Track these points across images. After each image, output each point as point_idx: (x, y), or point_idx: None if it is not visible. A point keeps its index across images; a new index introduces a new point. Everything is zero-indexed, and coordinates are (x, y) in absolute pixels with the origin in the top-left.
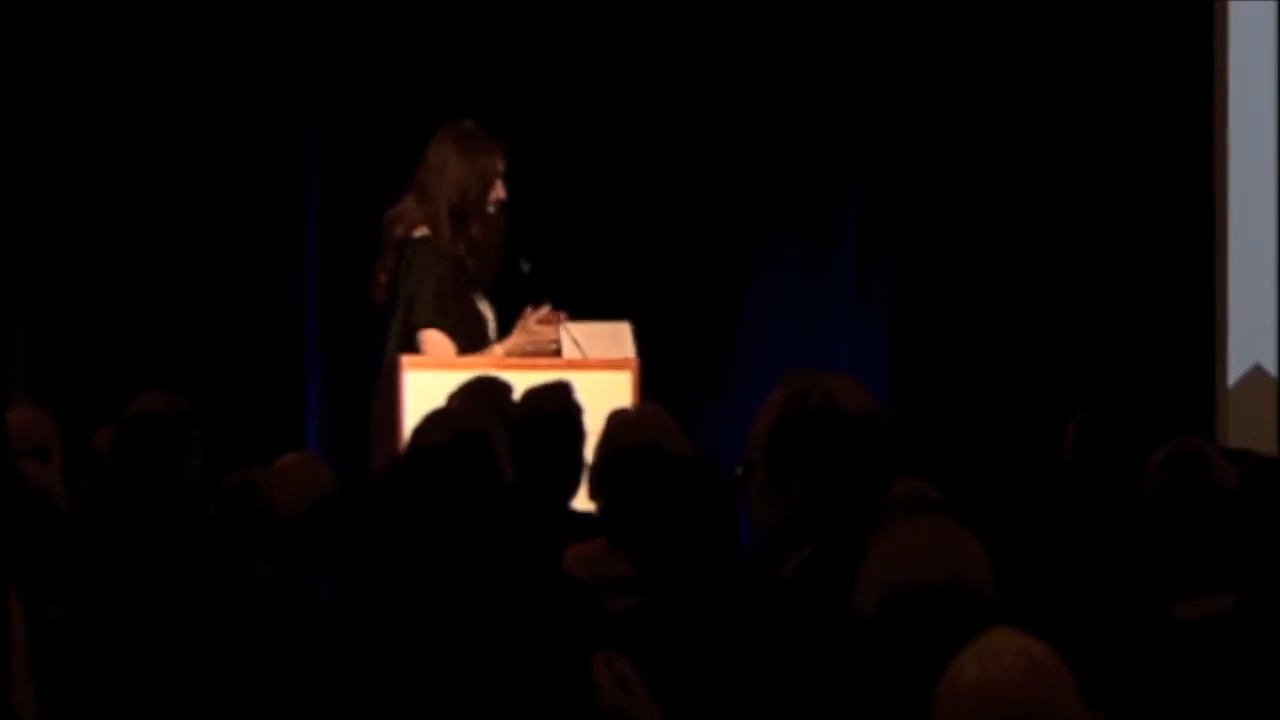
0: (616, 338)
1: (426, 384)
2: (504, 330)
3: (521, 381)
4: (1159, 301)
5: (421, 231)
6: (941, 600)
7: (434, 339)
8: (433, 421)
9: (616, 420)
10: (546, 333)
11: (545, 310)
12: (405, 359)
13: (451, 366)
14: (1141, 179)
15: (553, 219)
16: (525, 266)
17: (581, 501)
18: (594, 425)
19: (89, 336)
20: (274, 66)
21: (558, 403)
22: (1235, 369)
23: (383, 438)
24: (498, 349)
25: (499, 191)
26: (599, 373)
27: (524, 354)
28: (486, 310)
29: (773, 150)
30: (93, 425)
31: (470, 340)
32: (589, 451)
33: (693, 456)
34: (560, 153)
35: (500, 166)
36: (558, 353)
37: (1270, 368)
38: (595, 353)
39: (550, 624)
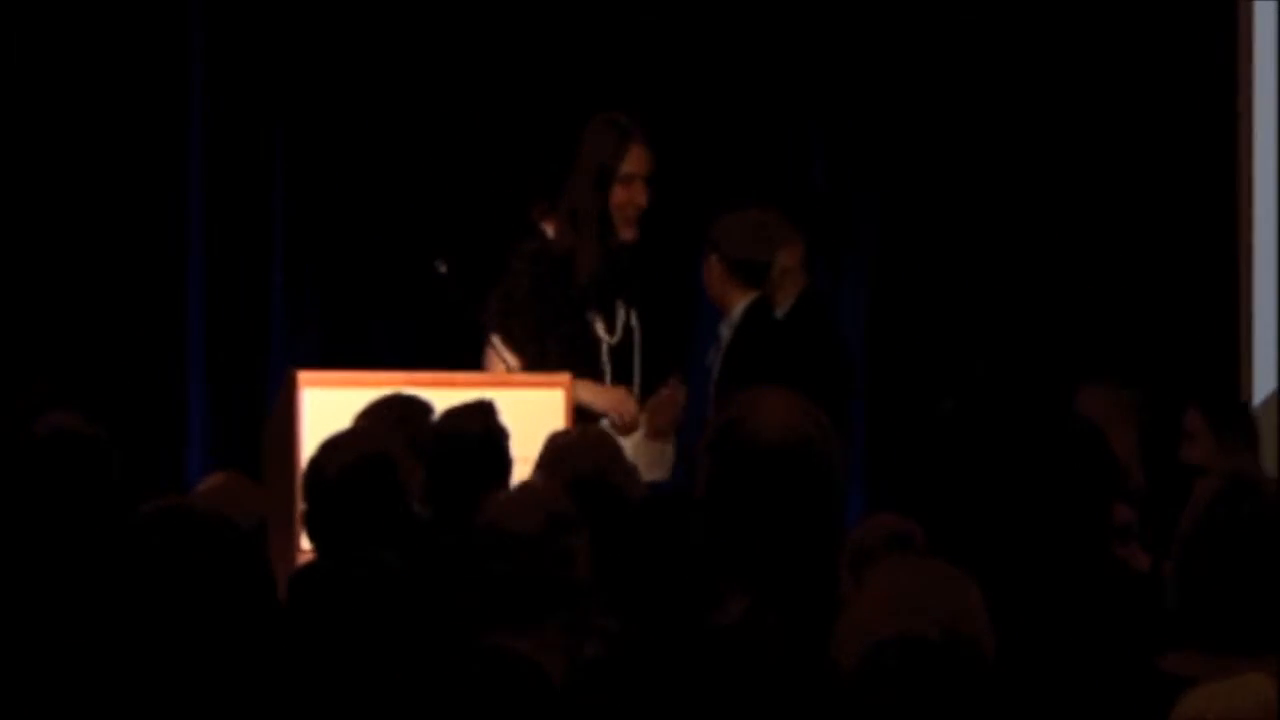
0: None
1: (326, 402)
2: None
3: (440, 400)
4: (1179, 314)
5: (548, 227)
6: (934, 656)
7: (493, 348)
8: (332, 446)
9: (556, 445)
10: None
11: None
12: (302, 374)
13: (355, 384)
14: (1156, 185)
15: (495, 220)
16: (441, 268)
17: None
18: (522, 450)
19: None
20: (156, 61)
21: (479, 424)
22: (1260, 388)
23: (276, 461)
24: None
25: (630, 195)
26: (528, 390)
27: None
28: (605, 331)
29: (732, 144)
30: None
31: (564, 359)
32: (517, 477)
33: (641, 485)
34: (501, 151)
35: (631, 168)
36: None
37: None
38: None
39: (476, 676)
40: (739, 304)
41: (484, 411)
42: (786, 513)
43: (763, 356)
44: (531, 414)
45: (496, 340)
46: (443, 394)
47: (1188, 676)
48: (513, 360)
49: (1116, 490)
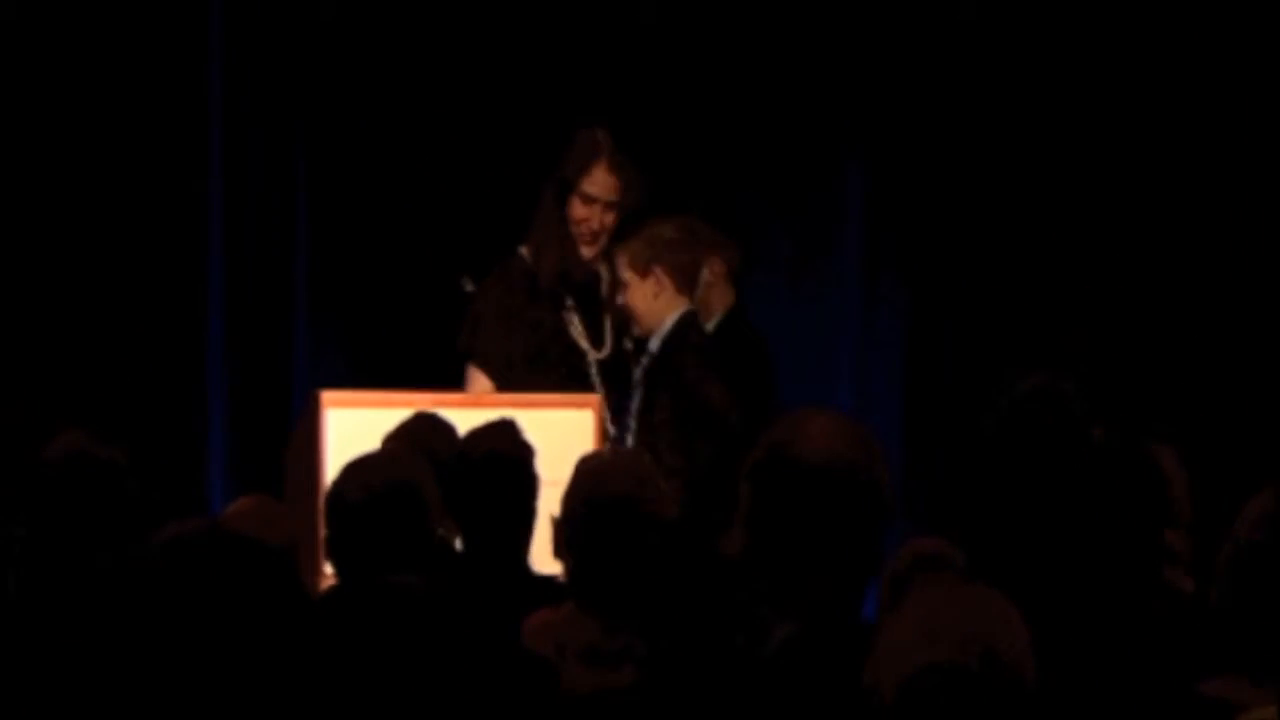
0: None
1: (351, 423)
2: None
3: (467, 421)
4: (1214, 327)
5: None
6: (974, 684)
7: (470, 375)
8: (353, 470)
9: (589, 466)
10: None
11: None
12: (326, 395)
13: (379, 404)
14: (1205, 206)
15: (523, 237)
16: (468, 286)
17: (539, 561)
18: (551, 473)
19: None
20: (176, 76)
21: (504, 444)
22: None
23: (299, 483)
24: None
25: (585, 213)
26: (557, 411)
27: None
28: (590, 345)
29: (768, 162)
30: None
31: (535, 370)
32: (544, 502)
33: (676, 509)
34: (530, 169)
35: (591, 188)
36: None
37: None
38: None
39: (506, 704)
40: (670, 315)
41: (509, 431)
42: (830, 537)
43: (692, 369)
44: (560, 435)
45: (470, 365)
46: (469, 414)
47: (1234, 702)
48: (485, 383)
49: (1167, 515)
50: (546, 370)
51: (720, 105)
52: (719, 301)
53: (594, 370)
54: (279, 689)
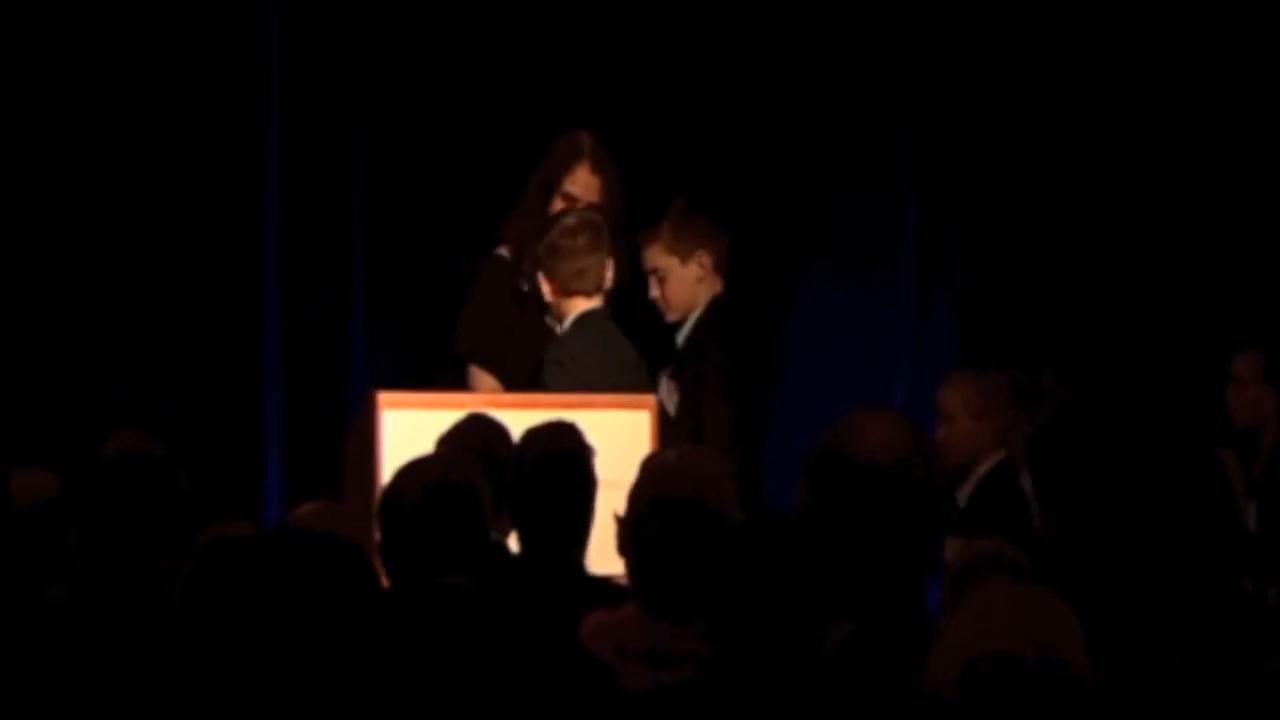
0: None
1: (407, 424)
2: None
3: (520, 422)
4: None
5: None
6: (1031, 677)
7: (474, 376)
8: (407, 473)
9: (655, 465)
10: None
11: None
12: (382, 396)
13: (435, 405)
14: (1220, 189)
15: None
16: (524, 286)
17: (597, 561)
18: (607, 474)
19: (22, 354)
20: (235, 79)
21: (564, 443)
22: None
23: (355, 483)
24: None
25: (558, 209)
26: (613, 411)
27: None
28: None
29: (825, 167)
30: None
31: (523, 374)
32: (599, 503)
33: (743, 507)
34: None
35: (574, 188)
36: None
37: None
38: None
39: (560, 705)
40: (568, 319)
41: (569, 431)
42: (885, 536)
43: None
44: (616, 436)
45: (473, 369)
46: (525, 415)
47: None
48: (492, 382)
49: (1234, 515)
50: (519, 370)
51: (778, 112)
52: (705, 294)
53: None
54: (344, 688)
